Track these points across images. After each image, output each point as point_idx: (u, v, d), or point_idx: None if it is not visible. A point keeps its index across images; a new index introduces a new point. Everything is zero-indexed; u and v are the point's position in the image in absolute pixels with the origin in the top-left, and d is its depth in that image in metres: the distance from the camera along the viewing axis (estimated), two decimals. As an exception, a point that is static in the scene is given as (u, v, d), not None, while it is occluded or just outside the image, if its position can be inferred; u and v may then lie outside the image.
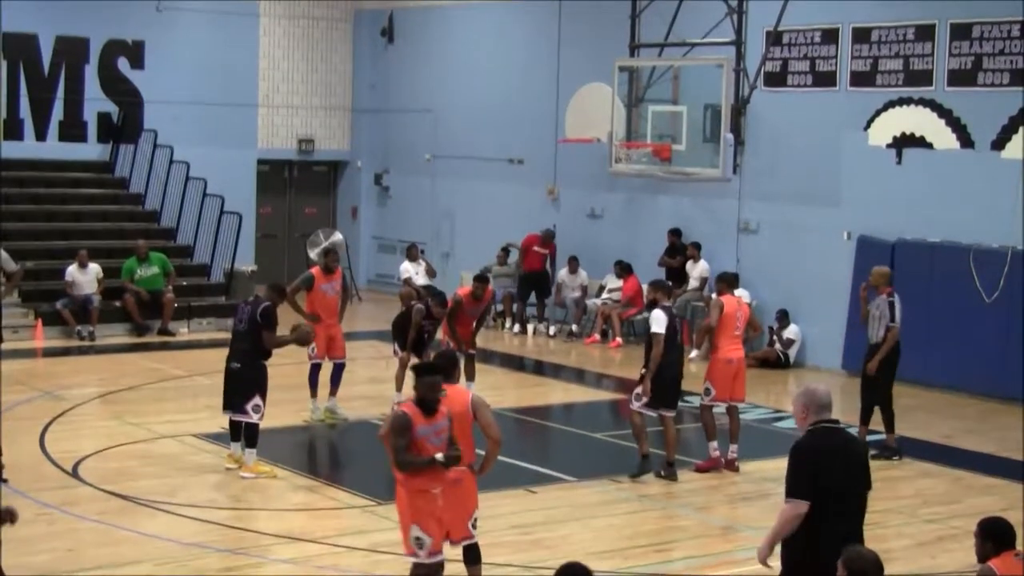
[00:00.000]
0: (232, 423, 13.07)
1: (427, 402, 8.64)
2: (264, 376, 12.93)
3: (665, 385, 13.02)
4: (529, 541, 10.94)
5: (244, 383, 12.85)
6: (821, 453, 7.28)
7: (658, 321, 12.92)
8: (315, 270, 15.51)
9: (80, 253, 20.98)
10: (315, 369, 15.30)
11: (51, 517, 11.42)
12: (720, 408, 13.80)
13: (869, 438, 14.37)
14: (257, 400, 12.79)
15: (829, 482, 7.22)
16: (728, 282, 14.25)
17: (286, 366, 14.26)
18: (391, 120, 26.93)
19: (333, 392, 15.39)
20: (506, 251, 23.14)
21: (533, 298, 22.82)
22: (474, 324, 16.13)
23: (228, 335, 20.37)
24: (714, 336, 13.68)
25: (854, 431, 15.69)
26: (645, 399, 12.97)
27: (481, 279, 16.26)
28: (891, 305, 14.14)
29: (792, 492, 7.20)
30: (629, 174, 20.03)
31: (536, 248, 22.68)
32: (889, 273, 14.67)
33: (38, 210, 23.27)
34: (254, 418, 12.77)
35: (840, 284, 19.24)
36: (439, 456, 8.57)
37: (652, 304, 13.39)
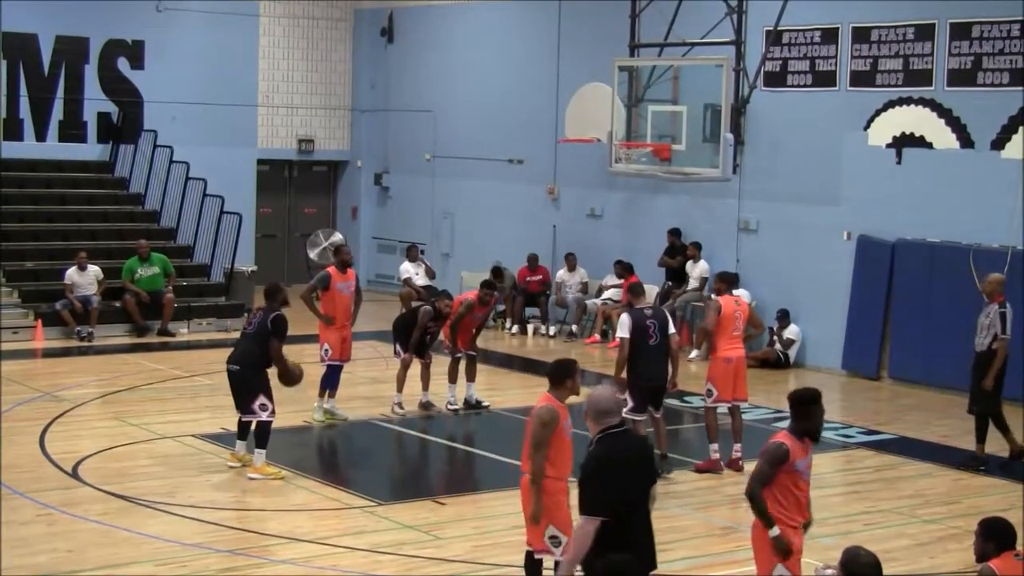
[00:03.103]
0: (240, 421, 13.08)
1: (814, 433, 8.05)
2: (263, 377, 12.92)
3: (648, 387, 12.99)
4: (529, 541, 10.92)
5: (245, 385, 12.86)
6: (613, 462, 7.18)
7: (622, 326, 12.94)
8: (331, 269, 15.37)
9: (79, 255, 20.95)
10: (331, 370, 15.27)
11: (51, 517, 11.41)
12: (723, 408, 13.76)
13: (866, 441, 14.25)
14: (262, 399, 12.79)
15: (623, 489, 7.14)
16: (727, 282, 14.22)
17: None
18: (391, 120, 26.93)
19: (332, 394, 15.38)
20: (497, 271, 22.93)
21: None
22: (475, 329, 16.12)
23: (227, 335, 20.58)
24: (713, 337, 13.66)
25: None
26: (630, 404, 12.96)
27: (489, 284, 16.26)
28: (1003, 316, 13.79)
29: (589, 509, 7.05)
30: (629, 174, 20.02)
31: (530, 279, 22.69)
32: (1003, 280, 14.30)
33: (38, 211, 23.27)
34: (263, 416, 12.77)
35: (840, 284, 19.24)
36: (773, 532, 7.81)
37: (628, 306, 13.43)
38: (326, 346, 15.17)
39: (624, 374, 13.11)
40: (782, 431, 8.11)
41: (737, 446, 13.64)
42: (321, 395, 15.28)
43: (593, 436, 7.31)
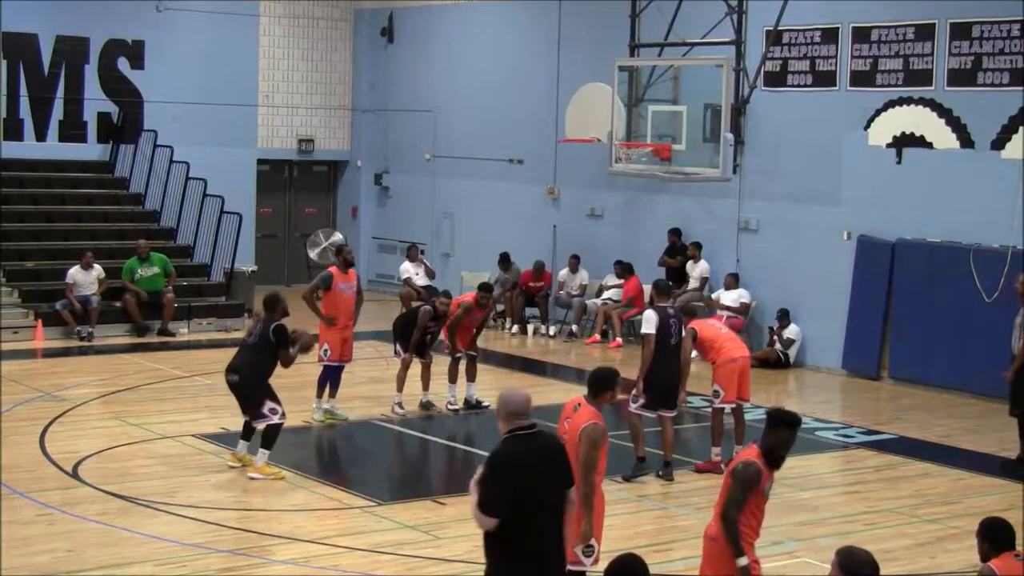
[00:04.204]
0: (246, 423, 13.06)
1: (777, 457, 7.77)
2: (264, 385, 12.86)
3: (662, 386, 13.00)
4: (529, 541, 10.92)
5: (247, 395, 12.85)
6: (512, 464, 6.97)
7: (648, 321, 12.90)
8: (333, 269, 15.34)
9: (86, 255, 20.96)
10: (328, 371, 15.21)
11: (51, 517, 11.41)
12: (727, 408, 13.72)
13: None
14: (270, 404, 12.76)
15: (524, 492, 6.90)
16: (689, 313, 13.90)
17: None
18: (391, 120, 26.93)
19: (332, 394, 15.39)
20: (505, 257, 23.00)
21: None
22: (475, 330, 16.13)
23: (227, 335, 20.59)
24: (711, 348, 13.51)
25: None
26: (642, 400, 12.97)
27: (485, 288, 16.25)
28: None
29: (483, 506, 6.90)
30: (629, 174, 20.01)
31: (532, 284, 22.69)
32: None
33: (38, 210, 23.27)
34: (273, 419, 12.76)
35: (840, 284, 19.24)
36: (742, 562, 7.54)
37: (651, 303, 13.39)
38: (325, 346, 15.14)
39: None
40: (751, 446, 7.84)
41: (739, 448, 13.63)
42: (319, 395, 15.28)
43: (501, 435, 7.18)
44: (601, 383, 8.59)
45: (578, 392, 8.78)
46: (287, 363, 13.02)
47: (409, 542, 10.97)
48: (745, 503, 7.61)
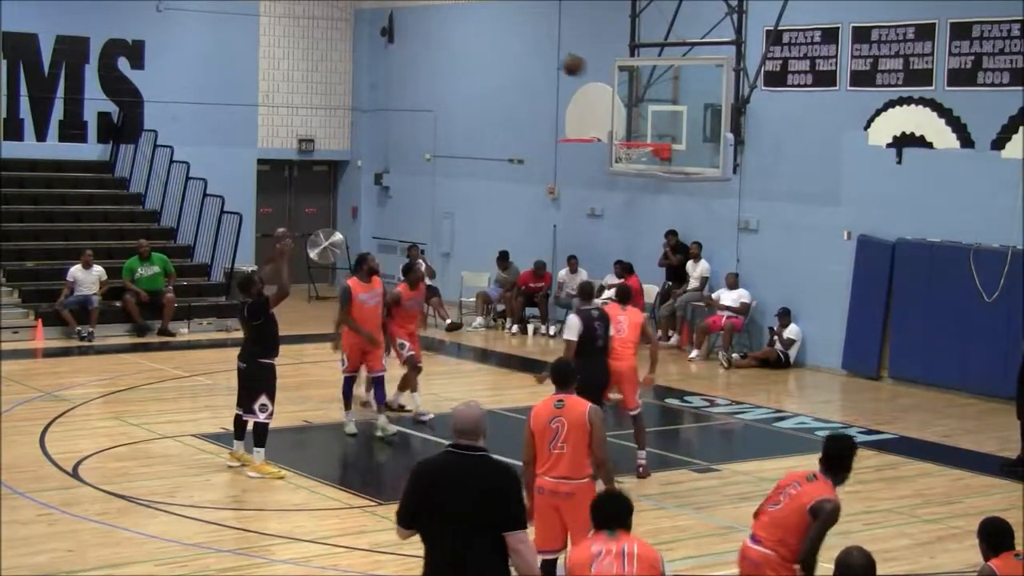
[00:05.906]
0: (236, 421, 13.09)
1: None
2: (268, 375, 12.87)
3: (593, 388, 12.56)
4: (529, 541, 10.90)
5: (249, 383, 12.89)
6: (427, 476, 6.71)
7: (570, 328, 12.47)
8: (351, 281, 14.70)
9: (86, 254, 20.97)
10: (347, 382, 14.82)
11: (51, 517, 11.41)
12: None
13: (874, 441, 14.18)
14: (263, 400, 12.76)
15: (431, 506, 6.62)
16: (622, 297, 13.54)
17: (284, 366, 14.22)
18: (391, 120, 26.93)
19: (379, 409, 14.86)
20: (503, 256, 23.01)
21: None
22: (416, 318, 15.79)
23: (227, 335, 20.58)
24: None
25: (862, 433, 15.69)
26: None
27: (409, 269, 15.85)
28: None
29: (396, 516, 6.85)
30: (629, 174, 20.01)
31: (532, 284, 22.63)
32: None
33: (38, 210, 23.28)
34: (260, 417, 12.78)
35: (840, 284, 19.24)
36: None
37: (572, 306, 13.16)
38: (343, 356, 14.77)
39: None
40: (825, 482, 8.17)
41: (641, 454, 13.28)
42: (347, 407, 14.87)
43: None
44: (571, 372, 9.11)
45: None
46: (284, 290, 12.81)
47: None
48: None
